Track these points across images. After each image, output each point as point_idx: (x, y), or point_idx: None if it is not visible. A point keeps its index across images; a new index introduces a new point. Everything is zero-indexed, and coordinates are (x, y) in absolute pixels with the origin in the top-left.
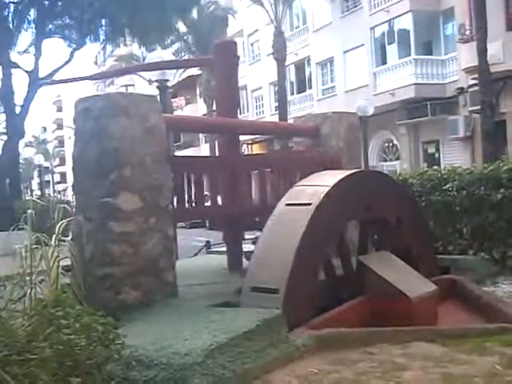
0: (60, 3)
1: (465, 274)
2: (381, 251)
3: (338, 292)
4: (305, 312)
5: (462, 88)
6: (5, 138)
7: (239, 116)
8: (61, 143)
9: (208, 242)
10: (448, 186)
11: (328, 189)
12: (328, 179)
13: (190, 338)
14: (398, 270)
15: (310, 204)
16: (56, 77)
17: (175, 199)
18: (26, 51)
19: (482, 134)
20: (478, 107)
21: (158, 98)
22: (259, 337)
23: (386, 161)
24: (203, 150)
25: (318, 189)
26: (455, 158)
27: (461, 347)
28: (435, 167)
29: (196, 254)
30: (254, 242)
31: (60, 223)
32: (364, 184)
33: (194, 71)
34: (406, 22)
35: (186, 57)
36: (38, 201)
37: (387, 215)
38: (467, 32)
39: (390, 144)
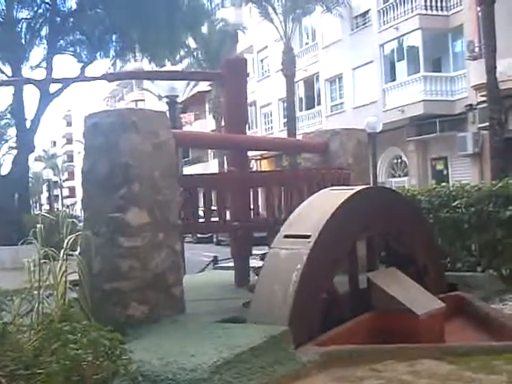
0: (71, 19)
1: (473, 291)
2: (388, 268)
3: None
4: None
5: (470, 105)
6: (15, 152)
7: (248, 132)
8: (70, 158)
9: (215, 257)
10: (456, 202)
11: (360, 189)
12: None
13: (196, 353)
14: (406, 287)
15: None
16: (66, 92)
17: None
18: (37, 66)
19: (490, 150)
20: (487, 124)
21: (168, 113)
22: (266, 353)
23: (394, 177)
24: (212, 165)
25: (349, 190)
26: (464, 174)
27: (468, 365)
28: (444, 184)
29: (203, 270)
30: (263, 258)
31: (68, 238)
32: (395, 201)
33: (203, 87)
34: (416, 39)
35: None
36: (47, 215)
37: (412, 245)
38: (476, 49)
39: (399, 160)
